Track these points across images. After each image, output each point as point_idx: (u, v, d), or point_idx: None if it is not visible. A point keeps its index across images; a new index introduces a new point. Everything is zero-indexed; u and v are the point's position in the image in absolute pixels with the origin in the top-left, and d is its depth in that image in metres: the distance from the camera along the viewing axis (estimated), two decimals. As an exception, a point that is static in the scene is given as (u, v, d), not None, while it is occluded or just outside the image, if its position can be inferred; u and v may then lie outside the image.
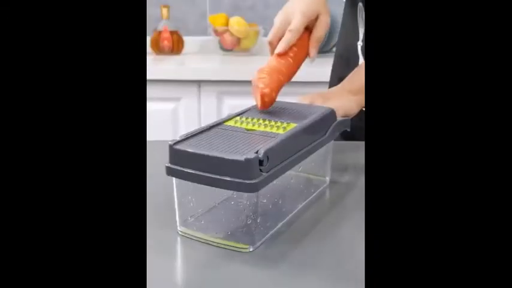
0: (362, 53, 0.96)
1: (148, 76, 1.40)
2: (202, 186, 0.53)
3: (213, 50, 1.99)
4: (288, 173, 0.57)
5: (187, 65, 1.78)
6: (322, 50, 1.87)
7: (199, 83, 1.66)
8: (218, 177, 0.51)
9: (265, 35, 1.98)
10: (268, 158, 0.51)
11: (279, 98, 0.70)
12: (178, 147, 0.54)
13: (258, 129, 0.60)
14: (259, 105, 0.67)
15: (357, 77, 0.83)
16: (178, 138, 0.56)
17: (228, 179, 0.51)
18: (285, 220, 0.59)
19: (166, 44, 1.91)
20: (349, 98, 0.79)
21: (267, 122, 0.62)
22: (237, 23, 1.90)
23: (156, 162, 0.56)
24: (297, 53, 0.74)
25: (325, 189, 0.69)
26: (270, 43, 0.77)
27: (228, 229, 0.57)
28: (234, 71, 1.69)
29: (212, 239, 0.55)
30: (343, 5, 1.86)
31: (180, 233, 0.57)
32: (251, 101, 0.69)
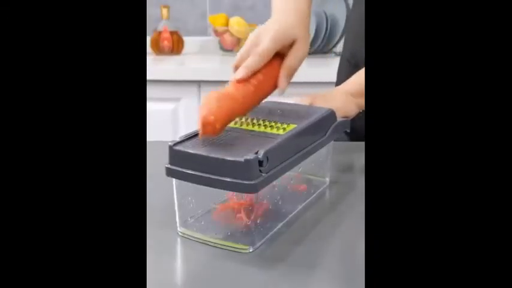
0: None
1: (148, 76, 1.40)
2: (202, 187, 0.53)
3: (213, 50, 1.98)
4: (288, 173, 0.57)
5: (187, 65, 1.78)
6: (322, 51, 1.87)
7: (199, 83, 1.66)
8: (218, 178, 0.51)
9: (265, 35, 2.00)
10: (267, 159, 0.51)
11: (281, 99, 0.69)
12: (178, 148, 0.54)
13: (257, 129, 0.60)
14: (199, 133, 0.56)
15: (358, 80, 0.83)
16: (178, 139, 0.56)
17: (228, 179, 0.51)
18: (285, 221, 0.59)
19: (166, 44, 1.91)
20: (349, 99, 0.79)
21: (266, 123, 0.61)
22: (237, 23, 1.90)
23: (156, 162, 0.56)
24: (262, 82, 0.64)
25: (325, 190, 0.69)
26: (235, 67, 0.66)
27: (228, 230, 0.57)
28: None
29: (212, 240, 0.55)
30: (344, 4, 1.87)
31: (180, 233, 0.57)
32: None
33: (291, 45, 0.68)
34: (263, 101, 0.67)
